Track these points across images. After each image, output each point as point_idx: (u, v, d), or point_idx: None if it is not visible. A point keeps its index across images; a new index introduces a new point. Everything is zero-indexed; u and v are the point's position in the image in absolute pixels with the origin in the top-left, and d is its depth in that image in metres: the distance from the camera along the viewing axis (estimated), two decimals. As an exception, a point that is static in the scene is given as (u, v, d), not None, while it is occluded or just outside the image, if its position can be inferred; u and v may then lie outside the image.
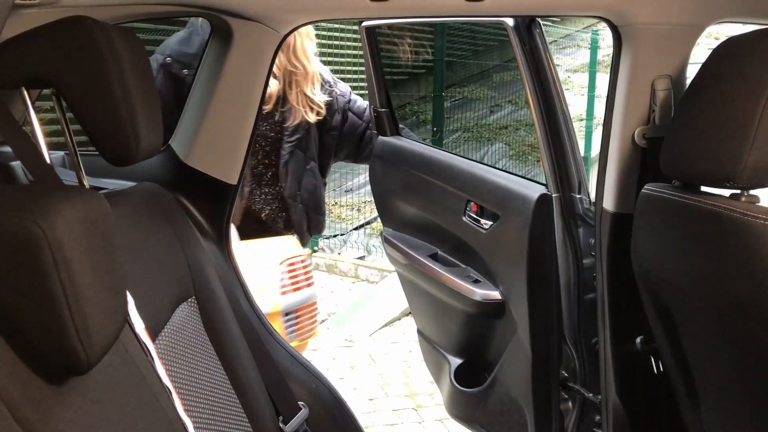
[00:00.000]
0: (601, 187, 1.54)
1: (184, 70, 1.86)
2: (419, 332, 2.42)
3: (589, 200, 1.74)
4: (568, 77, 9.55)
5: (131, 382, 0.85)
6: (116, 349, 0.82)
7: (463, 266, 2.05)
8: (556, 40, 10.72)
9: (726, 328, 1.19)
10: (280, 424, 1.40)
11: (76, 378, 0.70)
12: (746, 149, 1.05)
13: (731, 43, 1.17)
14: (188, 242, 1.31)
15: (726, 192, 1.16)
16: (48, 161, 0.95)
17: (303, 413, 1.45)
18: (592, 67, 7.41)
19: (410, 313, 4.01)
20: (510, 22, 1.62)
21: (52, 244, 0.63)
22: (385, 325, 4.06)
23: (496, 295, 1.91)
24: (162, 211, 1.26)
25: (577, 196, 1.74)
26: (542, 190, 1.77)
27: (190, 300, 1.25)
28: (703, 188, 1.23)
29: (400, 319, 4.12)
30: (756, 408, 1.23)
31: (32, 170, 0.94)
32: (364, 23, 2.07)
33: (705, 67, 1.22)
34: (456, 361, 2.16)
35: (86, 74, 0.92)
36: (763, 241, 1.02)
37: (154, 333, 1.04)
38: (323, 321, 4.13)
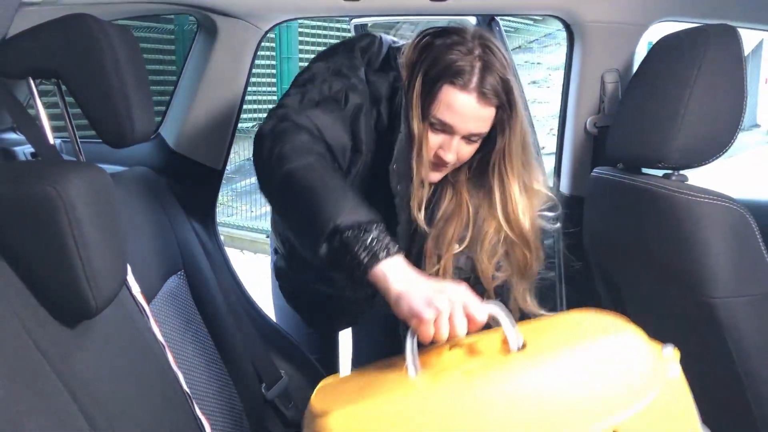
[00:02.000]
0: (557, 172, 1.68)
1: None
2: None
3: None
4: (549, 75, 9.73)
5: (130, 334, 0.97)
6: (116, 305, 0.94)
7: None
8: (537, 39, 10.90)
9: (662, 295, 1.33)
10: (263, 390, 1.52)
11: (86, 322, 0.81)
12: (674, 135, 1.19)
13: (664, 41, 1.31)
14: (176, 221, 1.43)
15: (660, 173, 1.30)
16: (52, 142, 1.07)
17: (284, 381, 1.56)
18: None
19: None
20: (472, 20, 1.75)
21: (67, 206, 0.75)
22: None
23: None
24: (153, 193, 1.37)
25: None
26: (507, 176, 1.91)
27: (179, 273, 1.37)
28: (644, 170, 1.38)
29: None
30: (691, 371, 1.37)
31: (38, 150, 1.06)
32: (354, 20, 2.18)
33: (643, 63, 1.36)
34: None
35: (86, 65, 1.04)
36: (687, 215, 1.16)
37: (147, 299, 1.16)
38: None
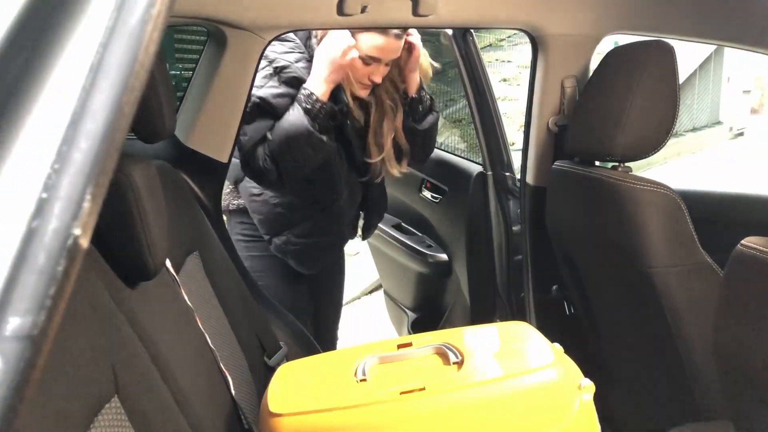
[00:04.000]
0: (524, 165, 1.90)
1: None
2: (385, 292, 2.77)
3: (515, 177, 2.10)
4: (519, 72, 9.95)
5: (171, 299, 1.16)
6: (158, 275, 1.13)
7: (420, 234, 2.41)
8: (507, 37, 11.11)
9: (611, 270, 1.56)
10: (265, 358, 1.72)
11: (143, 285, 1.01)
12: (620, 133, 1.42)
13: (613, 53, 1.54)
14: (191, 208, 1.62)
15: (609, 165, 1.53)
16: None
17: (283, 350, 1.76)
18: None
19: (372, 291, 4.36)
20: (450, 32, 1.97)
21: (134, 188, 0.95)
22: (348, 303, 4.39)
23: (443, 257, 2.26)
24: (172, 183, 1.56)
25: (507, 174, 2.10)
26: (479, 169, 2.13)
27: (195, 253, 1.56)
28: (597, 163, 1.60)
29: (360, 299, 4.46)
30: (636, 334, 1.60)
31: None
32: None
33: (596, 71, 1.59)
34: (413, 315, 2.53)
35: None
36: (629, 200, 1.39)
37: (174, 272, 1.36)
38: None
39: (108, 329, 0.87)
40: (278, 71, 1.74)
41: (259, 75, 1.73)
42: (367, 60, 1.70)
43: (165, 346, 1.01)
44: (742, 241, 0.94)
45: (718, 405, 1.35)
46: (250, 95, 1.72)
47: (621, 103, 1.42)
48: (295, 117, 1.69)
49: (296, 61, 1.74)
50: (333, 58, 1.65)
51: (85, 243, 0.36)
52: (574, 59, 1.74)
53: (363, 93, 1.77)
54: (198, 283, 1.53)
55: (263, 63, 1.73)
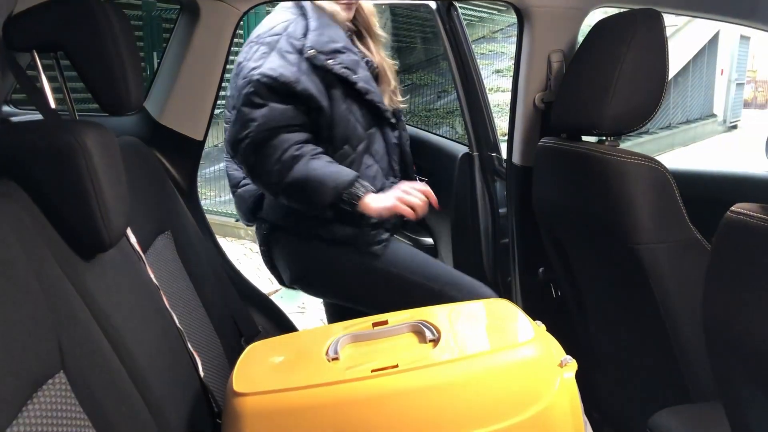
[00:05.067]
0: (510, 145, 1.85)
1: (329, 60, 1.66)
2: None
3: (501, 158, 2.05)
4: (513, 64, 9.90)
5: (133, 275, 1.10)
6: (119, 249, 1.08)
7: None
8: (501, 29, 11.07)
9: (598, 248, 1.51)
10: (243, 343, 1.66)
11: (99, 257, 0.95)
12: (606, 106, 1.36)
13: (601, 23, 1.48)
14: (163, 187, 1.56)
15: (596, 139, 1.47)
16: (53, 107, 1.19)
17: (261, 335, 1.71)
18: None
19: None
20: (433, 5, 1.91)
21: (85, 154, 0.89)
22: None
23: (428, 241, 2.21)
24: (142, 160, 1.50)
25: (493, 155, 2.04)
26: (466, 150, 2.08)
27: (166, 233, 1.50)
28: (584, 138, 1.55)
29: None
30: (624, 314, 1.55)
31: (43, 114, 1.18)
32: None
33: (582, 43, 1.53)
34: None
35: (87, 39, 1.16)
36: (616, 173, 1.34)
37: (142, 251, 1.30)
38: (277, 291, 4.38)
39: (55, 301, 0.82)
40: (310, 55, 1.64)
41: (261, 50, 1.64)
42: None
43: (121, 322, 0.95)
44: (732, 208, 0.88)
45: (707, 386, 1.30)
46: (225, 70, 1.66)
47: (608, 74, 1.36)
48: (327, 184, 1.63)
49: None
50: (392, 207, 1.68)
51: None
52: (560, 33, 1.69)
53: (346, 14, 1.72)
54: (168, 263, 1.47)
55: (274, 36, 1.66)
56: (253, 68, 1.61)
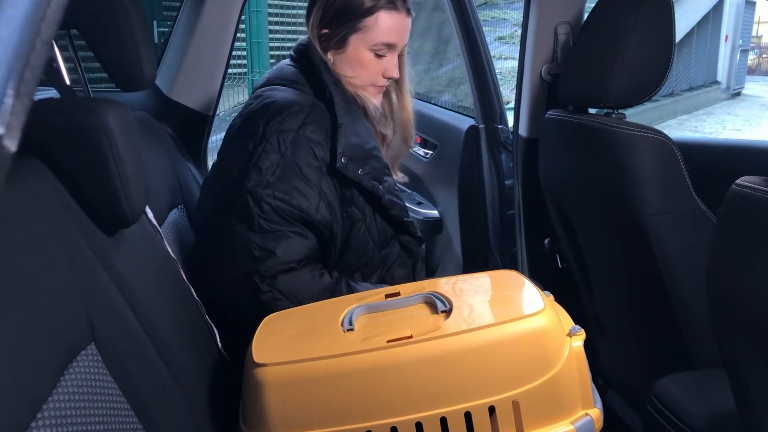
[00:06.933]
0: (516, 117, 1.86)
1: (360, 170, 1.36)
2: None
3: (509, 129, 2.06)
4: (515, 31, 9.85)
5: (152, 248, 1.13)
6: (139, 224, 1.10)
7: (410, 191, 2.38)
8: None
9: (604, 219, 1.54)
10: None
11: (121, 232, 0.98)
12: (613, 78, 1.38)
13: None
14: (176, 162, 1.59)
15: (603, 112, 1.49)
16: (68, 83, 1.21)
17: None
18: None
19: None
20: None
21: (108, 133, 0.91)
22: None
23: (435, 214, 2.23)
24: (155, 136, 1.52)
25: (499, 126, 2.06)
26: (471, 122, 2.09)
27: (180, 206, 1.53)
28: (591, 110, 1.56)
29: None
30: (628, 284, 1.58)
31: (59, 90, 1.20)
32: None
33: (590, 15, 1.53)
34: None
35: (100, 15, 1.17)
36: (622, 145, 1.36)
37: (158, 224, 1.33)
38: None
39: (83, 276, 0.85)
40: (341, 166, 1.33)
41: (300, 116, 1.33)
42: (381, 50, 1.40)
43: (144, 294, 0.98)
44: (737, 181, 0.91)
45: (710, 354, 1.33)
46: (233, 47, 1.67)
47: (615, 46, 1.37)
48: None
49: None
50: None
51: (11, 145, 0.33)
52: (567, 5, 1.69)
53: (378, 99, 1.46)
54: (183, 237, 1.50)
55: (288, 133, 1.33)
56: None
